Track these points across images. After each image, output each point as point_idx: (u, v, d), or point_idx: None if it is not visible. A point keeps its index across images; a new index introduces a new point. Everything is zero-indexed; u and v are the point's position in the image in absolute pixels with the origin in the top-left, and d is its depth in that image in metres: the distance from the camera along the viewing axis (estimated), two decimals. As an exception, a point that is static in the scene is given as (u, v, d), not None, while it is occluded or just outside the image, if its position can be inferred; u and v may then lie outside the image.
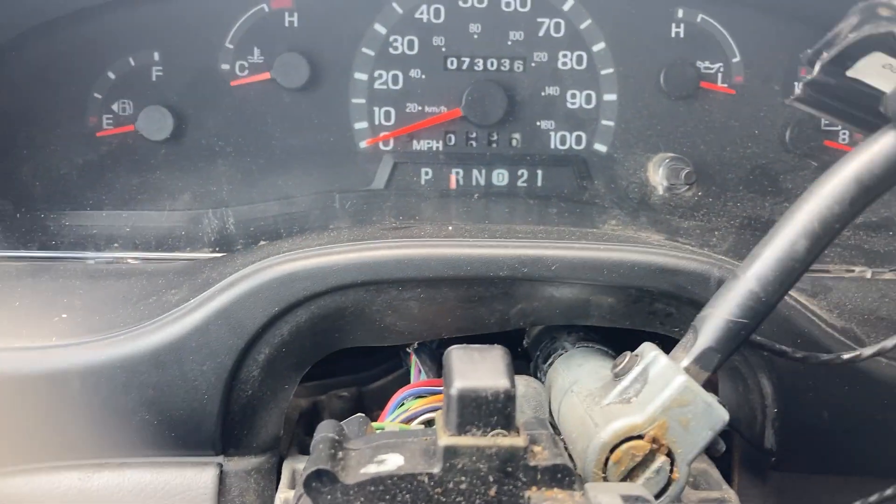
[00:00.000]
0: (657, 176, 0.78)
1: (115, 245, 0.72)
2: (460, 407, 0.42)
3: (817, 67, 0.55)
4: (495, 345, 0.45)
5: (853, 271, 0.74)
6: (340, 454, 0.44)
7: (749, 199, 0.79)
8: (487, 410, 0.42)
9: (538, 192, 0.85)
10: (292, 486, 0.65)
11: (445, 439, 0.42)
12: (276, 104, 0.84)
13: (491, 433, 0.42)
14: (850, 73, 0.55)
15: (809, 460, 0.66)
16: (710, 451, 0.52)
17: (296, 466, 0.66)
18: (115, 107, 0.83)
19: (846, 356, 0.55)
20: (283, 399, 0.64)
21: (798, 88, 0.57)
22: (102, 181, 0.75)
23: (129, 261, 0.71)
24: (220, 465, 0.64)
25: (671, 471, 0.49)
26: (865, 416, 0.63)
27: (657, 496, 0.50)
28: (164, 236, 0.73)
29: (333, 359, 0.65)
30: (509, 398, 0.42)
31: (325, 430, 0.47)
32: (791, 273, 0.50)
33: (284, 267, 0.60)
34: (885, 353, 0.55)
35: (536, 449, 0.43)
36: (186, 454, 0.63)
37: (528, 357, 0.73)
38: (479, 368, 0.43)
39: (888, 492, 0.53)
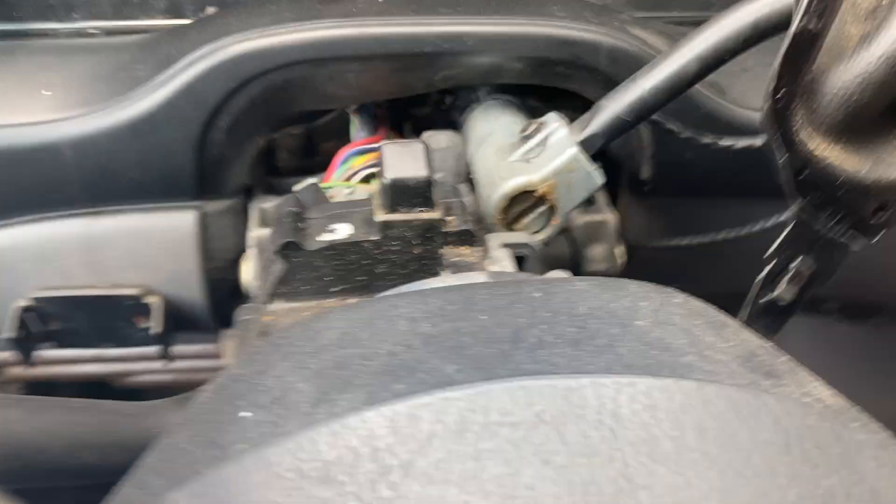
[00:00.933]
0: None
1: (75, 15, 0.78)
2: (392, 192, 0.55)
3: None
4: (418, 140, 0.57)
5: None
6: (301, 224, 0.58)
7: (655, -51, 0.85)
8: (412, 194, 0.55)
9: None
10: (260, 223, 0.79)
11: (381, 216, 0.56)
12: None
13: (415, 210, 0.56)
14: None
15: (677, 187, 0.82)
16: (588, 200, 0.68)
17: (262, 206, 0.81)
18: None
19: (723, 143, 0.68)
20: (247, 154, 0.76)
21: None
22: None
23: (91, 31, 0.78)
24: (199, 208, 0.77)
25: (551, 217, 0.65)
26: (722, 159, 0.77)
27: (538, 233, 0.66)
28: (118, 3, 0.79)
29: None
30: (428, 184, 0.55)
31: (286, 205, 0.60)
32: (678, 89, 0.61)
33: (237, 47, 0.68)
34: (752, 148, 0.68)
35: (449, 219, 0.57)
36: (170, 201, 0.76)
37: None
38: (405, 161, 0.55)
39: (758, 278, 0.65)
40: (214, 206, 0.78)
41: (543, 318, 0.41)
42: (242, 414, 0.39)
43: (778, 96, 0.50)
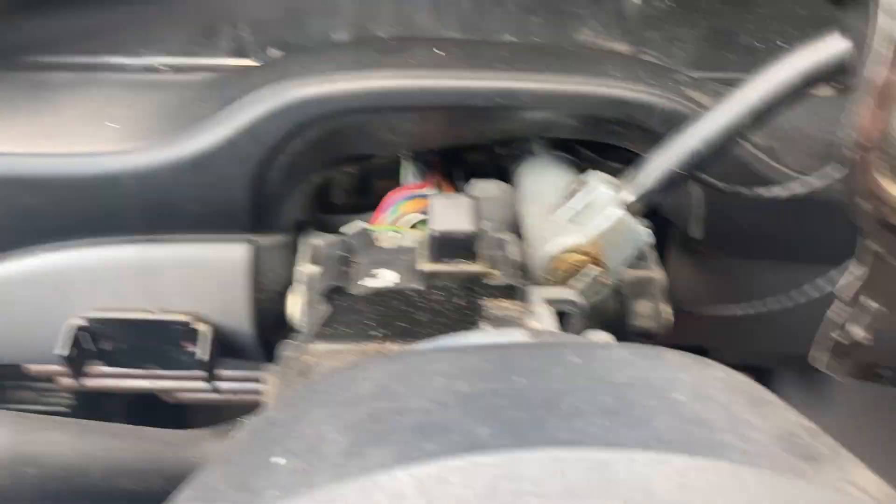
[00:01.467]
0: (634, -15, 0.85)
1: (145, 51, 0.81)
2: (437, 244, 0.56)
3: None
4: (467, 194, 0.58)
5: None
6: (348, 268, 0.60)
7: (716, 10, 0.86)
8: (457, 247, 0.56)
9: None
10: (309, 258, 0.81)
11: (426, 266, 0.57)
12: None
13: (459, 262, 0.56)
14: None
15: (727, 247, 0.81)
16: (638, 257, 0.68)
17: (312, 242, 0.82)
18: None
19: (766, 196, 0.68)
20: (301, 192, 0.78)
21: None
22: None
23: (159, 67, 0.81)
24: (252, 241, 0.79)
25: (601, 277, 0.65)
26: (776, 219, 0.77)
27: (589, 294, 0.66)
28: (186, 42, 0.82)
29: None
30: (473, 238, 0.56)
31: (335, 248, 0.61)
32: (731, 140, 0.61)
33: (298, 91, 0.70)
34: (794, 197, 0.67)
35: (494, 272, 0.58)
36: (225, 233, 0.78)
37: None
38: (453, 215, 0.56)
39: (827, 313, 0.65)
40: (267, 240, 0.79)
41: (581, 384, 0.41)
42: (275, 460, 0.40)
43: (859, 145, 0.51)
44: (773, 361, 1.15)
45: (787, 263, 0.81)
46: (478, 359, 0.44)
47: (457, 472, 0.35)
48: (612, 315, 0.79)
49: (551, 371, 0.42)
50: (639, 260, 0.81)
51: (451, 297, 0.57)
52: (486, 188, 0.77)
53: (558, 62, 0.74)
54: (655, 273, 0.79)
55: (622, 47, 0.82)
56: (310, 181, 0.78)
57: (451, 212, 0.56)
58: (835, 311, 0.61)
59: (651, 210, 0.74)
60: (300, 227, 0.84)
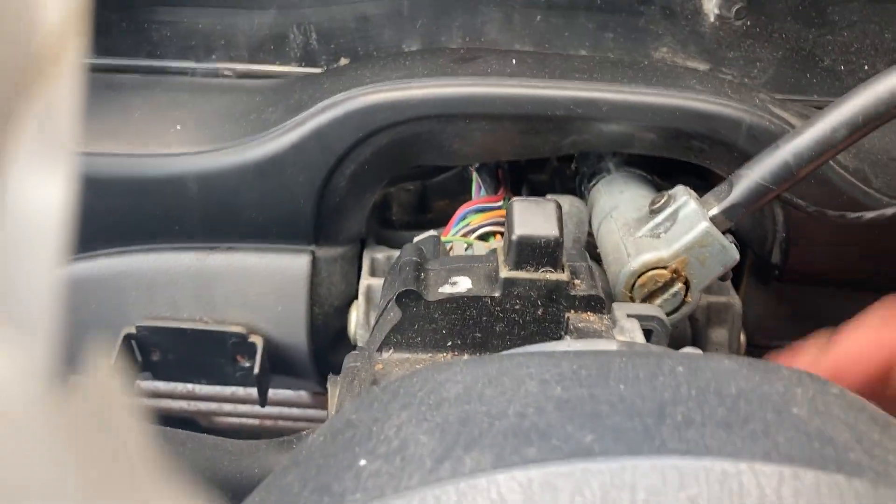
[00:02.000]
0: (710, 3, 0.82)
1: (213, 56, 0.80)
2: (518, 249, 0.53)
3: None
4: (551, 198, 0.55)
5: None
6: (422, 275, 0.57)
7: (794, 31, 0.82)
8: (539, 253, 0.53)
9: (602, 6, 0.89)
10: (372, 272, 0.78)
11: (505, 272, 0.54)
12: None
13: (541, 270, 0.53)
14: None
15: (807, 275, 0.77)
16: (721, 277, 0.64)
17: (374, 255, 0.80)
18: None
19: (851, 216, 0.65)
20: (366, 203, 0.76)
21: None
22: (197, -7, 0.82)
23: (226, 72, 0.80)
24: (313, 252, 0.77)
25: (685, 295, 0.61)
26: (859, 245, 0.73)
27: (672, 313, 0.62)
28: (254, 48, 0.81)
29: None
30: (557, 244, 0.53)
31: (408, 254, 0.59)
32: (825, 155, 0.58)
33: (369, 98, 0.68)
34: (883, 219, 0.64)
35: (576, 282, 0.55)
36: (285, 243, 0.76)
37: (575, 174, 0.83)
38: (536, 219, 0.53)
39: None
40: (328, 252, 0.77)
41: (689, 394, 0.38)
42: (360, 462, 0.37)
43: None
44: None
45: (870, 294, 0.77)
46: (574, 364, 0.41)
47: (565, 479, 0.32)
48: (687, 342, 0.75)
49: (656, 379, 0.39)
50: (712, 285, 0.78)
51: (530, 306, 0.53)
52: (559, 202, 0.74)
53: (638, 74, 0.71)
54: (733, 298, 0.76)
55: (700, 65, 0.79)
56: (375, 193, 0.76)
57: (534, 215, 0.53)
58: None
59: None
60: (362, 242, 0.82)
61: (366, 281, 0.75)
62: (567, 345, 0.47)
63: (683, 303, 0.61)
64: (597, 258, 0.69)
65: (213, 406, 1.34)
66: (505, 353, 0.44)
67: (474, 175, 0.77)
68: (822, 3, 0.83)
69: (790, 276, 0.77)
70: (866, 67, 0.82)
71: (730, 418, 0.36)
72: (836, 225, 0.72)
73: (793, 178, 0.59)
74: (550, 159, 0.90)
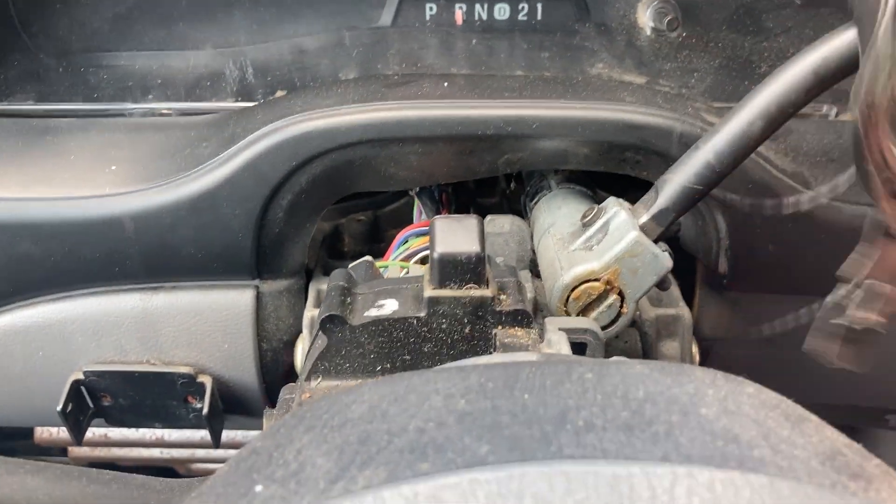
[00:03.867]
0: (644, 17, 0.82)
1: (150, 96, 0.80)
2: (441, 267, 0.52)
3: None
4: (472, 214, 0.55)
5: (820, 110, 0.80)
6: (349, 299, 0.56)
7: (730, 39, 0.83)
8: (462, 269, 0.52)
9: (538, 27, 0.89)
10: (317, 304, 0.77)
11: (430, 291, 0.53)
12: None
13: (465, 286, 0.53)
14: None
15: (758, 282, 0.76)
16: (660, 286, 0.63)
17: (320, 287, 0.79)
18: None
19: (788, 202, 0.64)
20: (306, 234, 0.75)
21: None
22: (132, 33, 0.82)
23: (164, 111, 0.79)
24: (257, 287, 0.76)
25: (621, 306, 0.61)
26: (805, 246, 0.72)
27: (608, 326, 0.61)
28: (191, 86, 0.81)
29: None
30: (479, 260, 0.52)
31: (336, 279, 0.58)
32: (745, 149, 0.58)
33: (301, 126, 0.68)
34: (817, 201, 0.63)
35: (503, 297, 0.54)
36: (228, 279, 0.75)
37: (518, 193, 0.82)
38: (457, 236, 0.53)
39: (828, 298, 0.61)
40: (272, 285, 0.76)
41: (594, 400, 0.37)
42: (256, 488, 0.35)
43: (868, 109, 0.48)
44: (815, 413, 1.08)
45: (821, 299, 0.76)
46: (482, 377, 0.40)
47: (451, 490, 0.31)
48: (636, 356, 0.74)
49: (562, 387, 0.38)
50: (662, 296, 0.77)
51: (457, 324, 0.53)
52: (501, 224, 0.74)
53: (570, 91, 0.71)
54: (682, 310, 0.75)
55: (637, 78, 0.79)
56: (315, 223, 0.75)
57: (455, 233, 0.52)
58: (839, 295, 0.56)
59: (674, 246, 0.71)
60: (309, 274, 0.81)
61: (309, 313, 0.74)
62: (487, 359, 0.46)
63: (620, 314, 0.60)
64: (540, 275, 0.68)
65: (185, 453, 1.32)
66: (416, 371, 0.43)
67: (415, 199, 0.77)
68: (757, 11, 0.84)
69: (740, 284, 0.77)
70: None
71: (633, 421, 0.35)
72: (778, 230, 0.72)
73: (717, 176, 0.58)
74: (499, 181, 0.90)
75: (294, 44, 0.83)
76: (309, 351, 0.57)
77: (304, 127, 0.68)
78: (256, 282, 0.76)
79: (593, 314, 0.60)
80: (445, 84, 0.72)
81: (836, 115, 0.80)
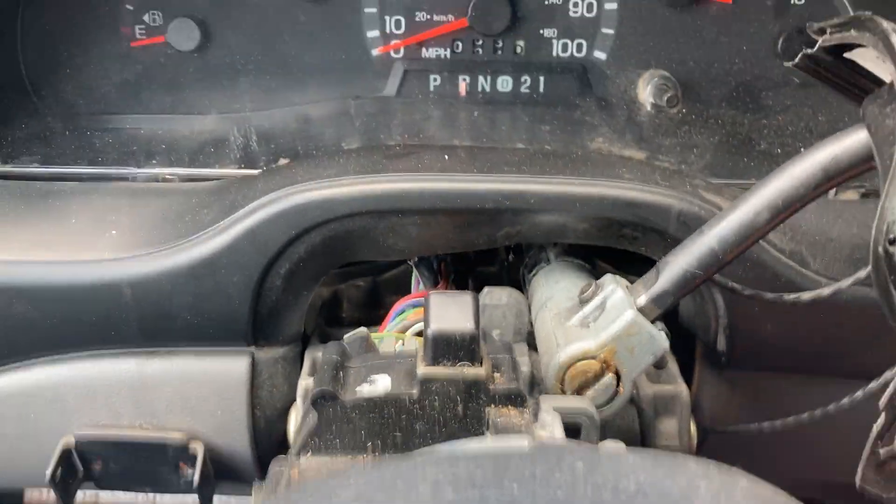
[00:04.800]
0: (645, 93, 0.84)
1: (154, 161, 0.81)
2: (434, 345, 0.52)
3: (818, 44, 0.59)
4: (467, 291, 0.55)
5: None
6: (341, 374, 0.55)
7: (730, 116, 0.84)
8: (456, 347, 0.52)
9: (540, 100, 0.91)
10: (312, 372, 0.77)
11: (423, 369, 0.52)
12: (292, 18, 0.89)
13: (459, 364, 0.52)
14: (847, 55, 0.60)
15: (756, 361, 0.76)
16: (657, 365, 0.63)
17: (315, 355, 0.78)
18: (145, 17, 0.89)
19: (788, 298, 0.64)
20: (304, 301, 0.75)
21: (798, 58, 0.61)
22: (139, 100, 0.83)
23: (167, 176, 0.80)
24: (252, 354, 0.75)
25: (618, 386, 0.60)
26: (804, 329, 0.72)
27: (605, 404, 0.60)
28: (195, 152, 0.82)
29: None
30: (473, 338, 0.52)
31: (330, 352, 0.58)
32: (749, 239, 0.58)
33: (300, 196, 0.69)
34: (821, 300, 0.63)
35: (496, 376, 0.53)
36: (224, 345, 0.75)
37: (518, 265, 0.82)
38: (451, 313, 0.52)
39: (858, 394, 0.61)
40: (268, 353, 0.76)
41: (584, 493, 0.36)
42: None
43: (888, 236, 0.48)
44: (817, 492, 1.06)
45: (821, 378, 0.75)
46: (471, 465, 0.39)
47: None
48: (635, 435, 0.73)
49: (552, 477, 0.38)
50: (659, 369, 0.76)
51: (450, 403, 0.52)
52: (499, 296, 0.73)
53: (569, 166, 0.72)
54: (680, 388, 0.74)
55: (637, 154, 0.80)
56: (312, 291, 0.75)
57: (450, 310, 0.52)
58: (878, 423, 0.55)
59: (673, 324, 0.70)
60: (306, 341, 0.81)
61: (304, 381, 0.73)
62: (479, 442, 0.45)
63: (616, 394, 0.60)
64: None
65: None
66: (405, 455, 0.42)
67: (413, 269, 0.77)
68: (756, 89, 0.85)
69: (739, 363, 0.76)
70: (802, 149, 0.82)
71: None
72: (778, 309, 0.71)
73: (719, 263, 0.58)
74: (499, 251, 0.90)
75: (299, 112, 0.84)
76: (300, 425, 0.56)
77: (303, 197, 0.69)
78: (252, 349, 0.75)
79: (589, 392, 0.59)
80: (446, 156, 0.73)
81: (836, 194, 0.81)
